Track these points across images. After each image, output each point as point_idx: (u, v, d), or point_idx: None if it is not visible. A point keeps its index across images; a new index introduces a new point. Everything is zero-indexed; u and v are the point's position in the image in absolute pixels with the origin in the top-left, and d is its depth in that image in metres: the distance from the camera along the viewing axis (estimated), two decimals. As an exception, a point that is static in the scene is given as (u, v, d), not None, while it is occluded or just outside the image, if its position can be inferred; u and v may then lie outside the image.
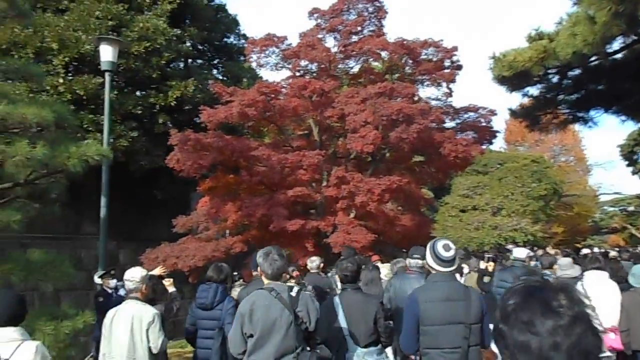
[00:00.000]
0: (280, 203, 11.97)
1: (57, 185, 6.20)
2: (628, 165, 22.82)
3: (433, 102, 15.61)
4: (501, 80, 9.42)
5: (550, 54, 8.32)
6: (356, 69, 16.03)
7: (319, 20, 14.86)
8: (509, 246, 13.90)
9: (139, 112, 12.43)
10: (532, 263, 9.12)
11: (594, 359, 1.07)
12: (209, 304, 4.62)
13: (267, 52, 14.75)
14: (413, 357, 3.58)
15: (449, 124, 15.37)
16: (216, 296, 4.65)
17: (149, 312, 4.17)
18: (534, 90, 10.63)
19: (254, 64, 15.75)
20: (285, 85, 14.44)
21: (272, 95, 13.21)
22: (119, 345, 4.10)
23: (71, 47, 11.52)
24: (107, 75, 8.73)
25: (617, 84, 9.75)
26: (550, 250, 13.89)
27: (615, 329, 4.92)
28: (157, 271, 5.32)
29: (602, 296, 4.91)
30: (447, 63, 15.24)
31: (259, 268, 3.40)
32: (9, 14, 5.53)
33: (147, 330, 4.11)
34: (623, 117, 10.57)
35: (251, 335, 3.23)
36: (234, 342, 3.35)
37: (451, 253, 3.46)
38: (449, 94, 15.73)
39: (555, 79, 10.29)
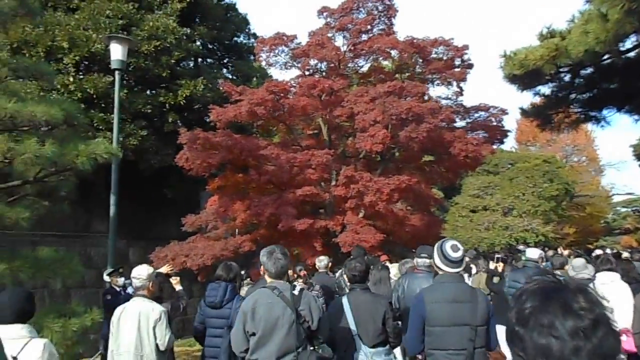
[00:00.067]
0: (289, 202, 11.96)
1: (67, 183, 6.23)
2: (641, 165, 22.52)
3: (443, 101, 15.51)
4: (512, 78, 9.32)
5: (562, 52, 8.21)
6: (366, 68, 15.97)
7: (329, 19, 14.81)
8: (520, 247, 13.77)
9: (149, 110, 12.48)
10: (543, 264, 9.04)
11: None
12: (218, 302, 4.61)
13: (276, 51, 14.74)
14: (420, 357, 3.55)
15: (460, 123, 15.25)
16: (225, 295, 4.64)
17: (155, 310, 4.18)
18: (545, 89, 10.54)
19: (263, 63, 15.75)
20: (294, 84, 14.43)
21: (281, 95, 13.20)
22: (126, 342, 4.14)
23: (82, 45, 11.59)
24: (116, 74, 8.77)
25: (630, 82, 9.62)
26: (564, 251, 13.74)
27: (627, 330, 4.84)
28: (164, 269, 5.33)
29: (613, 297, 4.84)
30: (457, 62, 15.11)
31: (262, 267, 3.39)
32: (19, 12, 5.56)
33: (154, 327, 4.13)
34: (636, 117, 10.42)
35: (253, 334, 3.22)
36: (236, 340, 3.33)
37: (459, 254, 3.42)
38: (460, 93, 15.61)
39: (567, 78, 10.18)
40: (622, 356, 4.83)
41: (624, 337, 4.81)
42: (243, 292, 5.62)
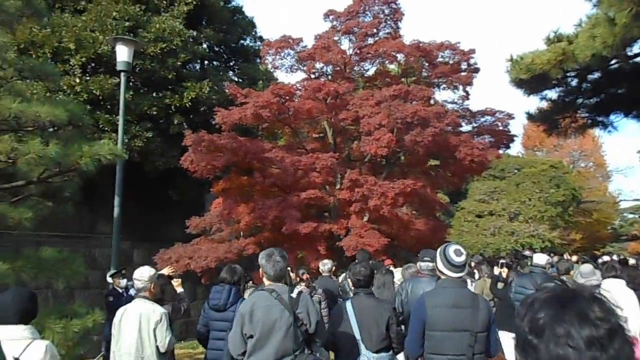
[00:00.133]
0: (293, 205, 11.93)
1: (71, 184, 6.24)
2: (649, 171, 22.43)
3: (449, 106, 15.45)
4: (519, 83, 9.28)
5: (569, 57, 8.16)
6: (372, 72, 15.95)
7: (335, 22, 14.81)
8: (526, 252, 13.69)
9: (155, 112, 12.50)
10: (550, 269, 8.97)
11: None
12: (222, 305, 4.59)
13: (282, 54, 14.75)
14: (421, 360, 3.53)
15: (466, 127, 15.19)
16: (229, 298, 4.62)
17: (156, 311, 4.19)
18: (552, 94, 10.49)
19: (269, 66, 15.77)
20: (299, 87, 14.42)
21: (287, 97, 13.19)
22: (127, 344, 4.15)
23: (88, 47, 11.63)
24: (122, 76, 8.79)
25: (637, 87, 9.56)
26: (573, 257, 13.65)
27: (634, 338, 4.77)
28: (166, 271, 5.31)
29: (619, 304, 4.77)
30: (464, 66, 15.07)
31: (260, 269, 3.37)
32: (25, 13, 5.58)
33: (155, 329, 4.13)
34: (644, 122, 10.35)
35: (251, 336, 3.21)
36: (233, 343, 3.32)
37: (462, 258, 3.41)
38: (466, 97, 15.56)
39: (574, 82, 10.12)
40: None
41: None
42: (247, 295, 5.59)
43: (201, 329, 4.75)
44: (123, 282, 7.24)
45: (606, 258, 12.93)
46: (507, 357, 5.31)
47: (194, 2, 13.48)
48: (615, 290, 5.03)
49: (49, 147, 4.86)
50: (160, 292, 4.56)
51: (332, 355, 4.05)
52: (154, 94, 12.99)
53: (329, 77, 14.88)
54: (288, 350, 3.16)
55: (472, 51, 14.77)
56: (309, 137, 15.85)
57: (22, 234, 7.63)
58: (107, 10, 12.15)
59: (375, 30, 14.43)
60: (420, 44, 13.84)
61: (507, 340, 6.44)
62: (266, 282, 3.37)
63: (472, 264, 9.38)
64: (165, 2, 13.52)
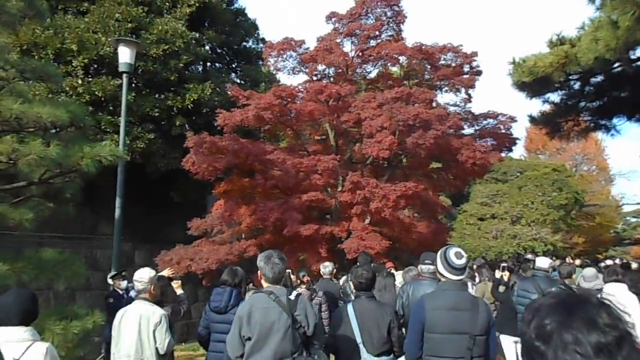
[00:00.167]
0: (294, 207, 11.91)
1: (72, 185, 6.23)
2: (652, 175, 22.38)
3: (451, 108, 15.42)
4: (521, 86, 9.25)
5: (571, 60, 8.13)
6: (374, 74, 15.94)
7: (337, 25, 14.79)
8: (529, 256, 13.65)
9: (157, 114, 12.50)
10: (553, 273, 8.93)
11: None
12: (223, 307, 4.57)
13: (284, 56, 14.74)
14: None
15: (468, 130, 15.16)
16: (230, 300, 4.60)
17: (156, 313, 4.18)
18: (554, 97, 10.46)
19: (271, 68, 15.75)
20: (301, 90, 14.41)
21: (289, 99, 13.19)
22: (126, 345, 4.15)
23: (90, 48, 11.65)
24: (124, 77, 8.80)
25: (640, 91, 9.53)
26: (576, 261, 13.60)
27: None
28: (166, 272, 5.30)
29: (626, 309, 4.74)
30: (466, 68, 15.04)
31: (259, 272, 3.35)
32: (27, 14, 5.58)
33: (154, 330, 4.13)
34: (647, 126, 10.33)
35: (249, 338, 3.19)
36: (231, 345, 3.30)
37: (463, 261, 3.40)
38: (468, 100, 15.53)
39: (576, 86, 10.10)
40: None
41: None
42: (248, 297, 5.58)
43: (202, 331, 4.73)
44: (123, 283, 7.23)
45: (609, 262, 12.89)
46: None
47: (197, 4, 13.50)
48: (618, 295, 5.00)
49: (50, 148, 4.85)
50: (160, 294, 4.55)
51: (332, 358, 4.02)
52: (156, 96, 13.00)
53: (331, 79, 14.87)
54: (286, 353, 3.15)
55: (475, 54, 14.75)
56: (310, 139, 15.84)
57: (23, 235, 7.62)
58: (109, 12, 12.18)
59: (377, 33, 14.41)
60: (423, 47, 13.82)
61: (508, 344, 6.42)
62: (265, 284, 3.36)
63: (474, 267, 9.35)
64: (167, 3, 13.55)
